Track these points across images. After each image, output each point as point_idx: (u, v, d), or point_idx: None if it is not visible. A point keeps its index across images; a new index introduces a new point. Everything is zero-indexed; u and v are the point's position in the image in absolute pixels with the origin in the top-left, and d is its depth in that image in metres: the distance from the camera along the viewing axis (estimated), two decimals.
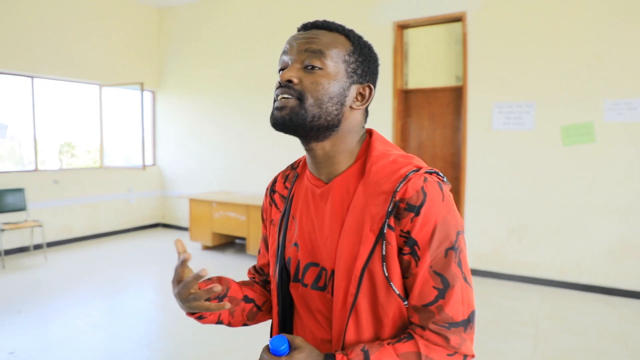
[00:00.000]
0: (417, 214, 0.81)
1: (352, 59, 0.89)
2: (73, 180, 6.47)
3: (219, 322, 1.04)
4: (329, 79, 0.86)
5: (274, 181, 1.08)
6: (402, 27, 5.26)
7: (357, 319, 0.85)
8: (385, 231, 0.82)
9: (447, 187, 0.87)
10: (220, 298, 1.02)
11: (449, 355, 0.83)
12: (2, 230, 5.28)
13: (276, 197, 1.05)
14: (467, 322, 0.84)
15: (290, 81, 0.86)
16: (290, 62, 0.88)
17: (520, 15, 4.56)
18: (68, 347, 3.22)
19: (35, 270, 5.17)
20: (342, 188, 0.91)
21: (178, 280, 0.90)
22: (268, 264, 1.10)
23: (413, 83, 5.42)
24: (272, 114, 0.88)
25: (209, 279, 1.03)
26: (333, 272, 0.88)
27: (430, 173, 0.86)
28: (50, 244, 6.16)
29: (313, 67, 0.86)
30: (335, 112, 0.88)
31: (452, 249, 0.83)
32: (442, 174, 0.88)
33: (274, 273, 1.00)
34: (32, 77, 5.97)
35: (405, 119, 5.43)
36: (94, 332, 3.51)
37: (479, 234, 4.93)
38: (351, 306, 0.84)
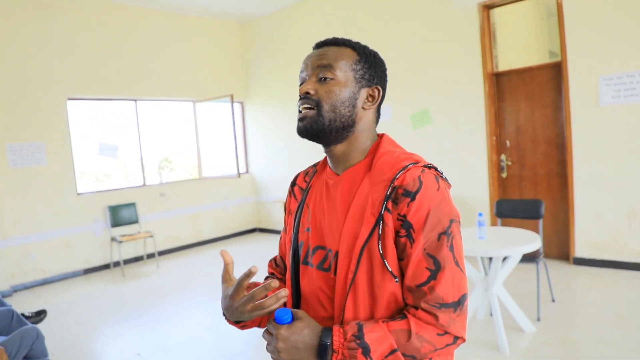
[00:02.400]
0: (413, 199, 0.91)
1: (358, 66, 1.03)
2: (175, 192, 6.93)
3: (259, 326, 1.12)
4: (340, 86, 1.00)
5: (296, 177, 1.22)
6: (487, 7, 4.97)
7: (355, 296, 0.94)
8: (383, 213, 0.92)
9: (444, 182, 0.96)
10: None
11: (439, 335, 0.89)
12: (120, 242, 5.79)
13: (296, 189, 1.19)
14: (457, 304, 0.90)
15: (308, 93, 1.01)
16: (307, 78, 1.03)
17: None
18: (185, 348, 3.43)
19: (150, 277, 5.59)
20: (351, 178, 1.03)
21: (235, 290, 0.96)
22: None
23: (504, 65, 5.10)
24: (297, 125, 1.03)
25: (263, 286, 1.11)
26: (337, 253, 0.97)
27: (429, 167, 0.96)
28: (161, 253, 6.64)
29: (325, 79, 1.00)
30: (349, 114, 1.01)
31: (444, 234, 0.91)
32: (440, 170, 0.98)
33: (289, 256, 1.11)
34: (135, 100, 6.50)
35: (498, 104, 5.12)
36: (207, 334, 3.71)
37: (592, 220, 4.51)
38: (350, 282, 0.93)
